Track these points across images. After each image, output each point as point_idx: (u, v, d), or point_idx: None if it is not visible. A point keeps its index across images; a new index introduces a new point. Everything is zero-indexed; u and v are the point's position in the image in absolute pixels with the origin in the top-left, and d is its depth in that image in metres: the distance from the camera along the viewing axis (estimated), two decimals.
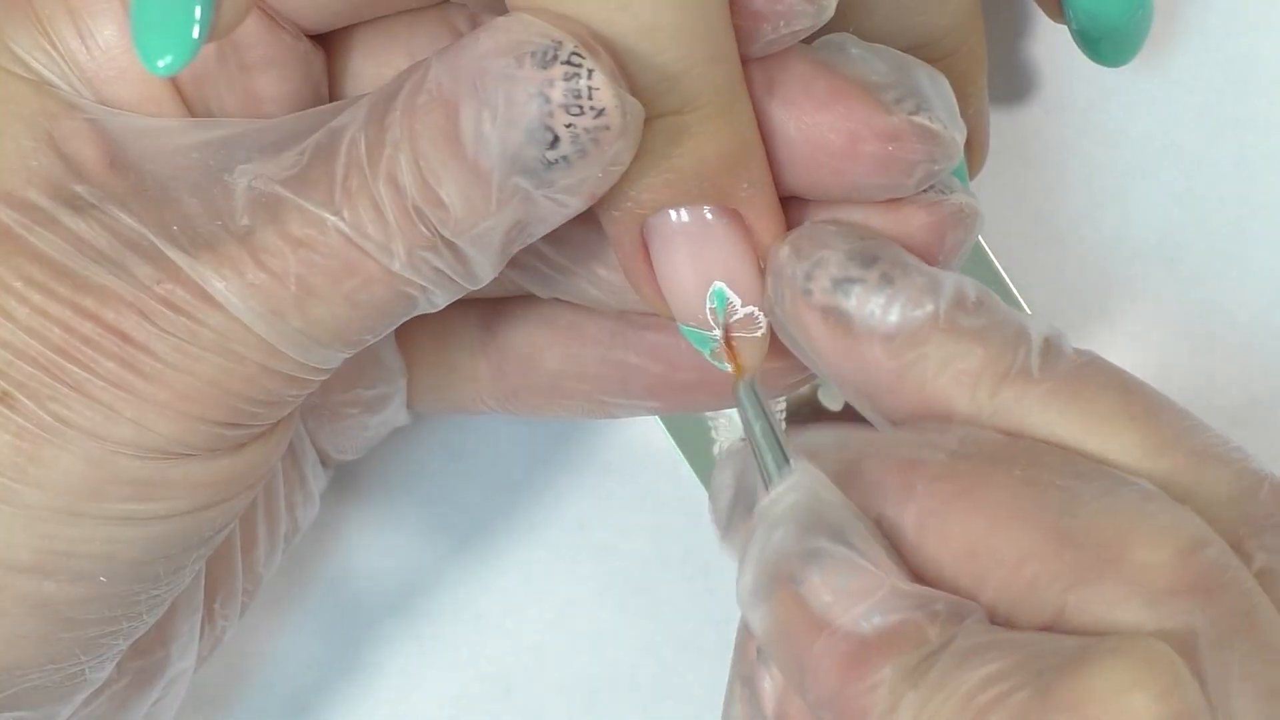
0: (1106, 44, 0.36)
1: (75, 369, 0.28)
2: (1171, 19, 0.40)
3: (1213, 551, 0.25)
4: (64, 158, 0.29)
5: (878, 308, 0.28)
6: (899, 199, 0.29)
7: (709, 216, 0.29)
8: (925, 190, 0.30)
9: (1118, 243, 0.40)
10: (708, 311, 0.29)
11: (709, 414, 0.40)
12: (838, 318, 0.28)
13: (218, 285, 0.28)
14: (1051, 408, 0.27)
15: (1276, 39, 0.40)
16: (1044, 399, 0.27)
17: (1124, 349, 0.39)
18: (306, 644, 0.40)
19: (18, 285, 0.28)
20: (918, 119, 0.28)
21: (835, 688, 0.25)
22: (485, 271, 0.29)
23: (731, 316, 0.29)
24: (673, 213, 0.29)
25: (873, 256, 0.28)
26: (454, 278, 0.28)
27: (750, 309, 0.29)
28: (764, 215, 0.29)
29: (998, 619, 0.26)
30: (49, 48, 0.30)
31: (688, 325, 0.30)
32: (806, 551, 0.26)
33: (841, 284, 0.28)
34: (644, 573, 0.40)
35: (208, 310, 0.28)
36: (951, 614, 0.25)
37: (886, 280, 0.28)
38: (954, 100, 0.30)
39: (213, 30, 0.26)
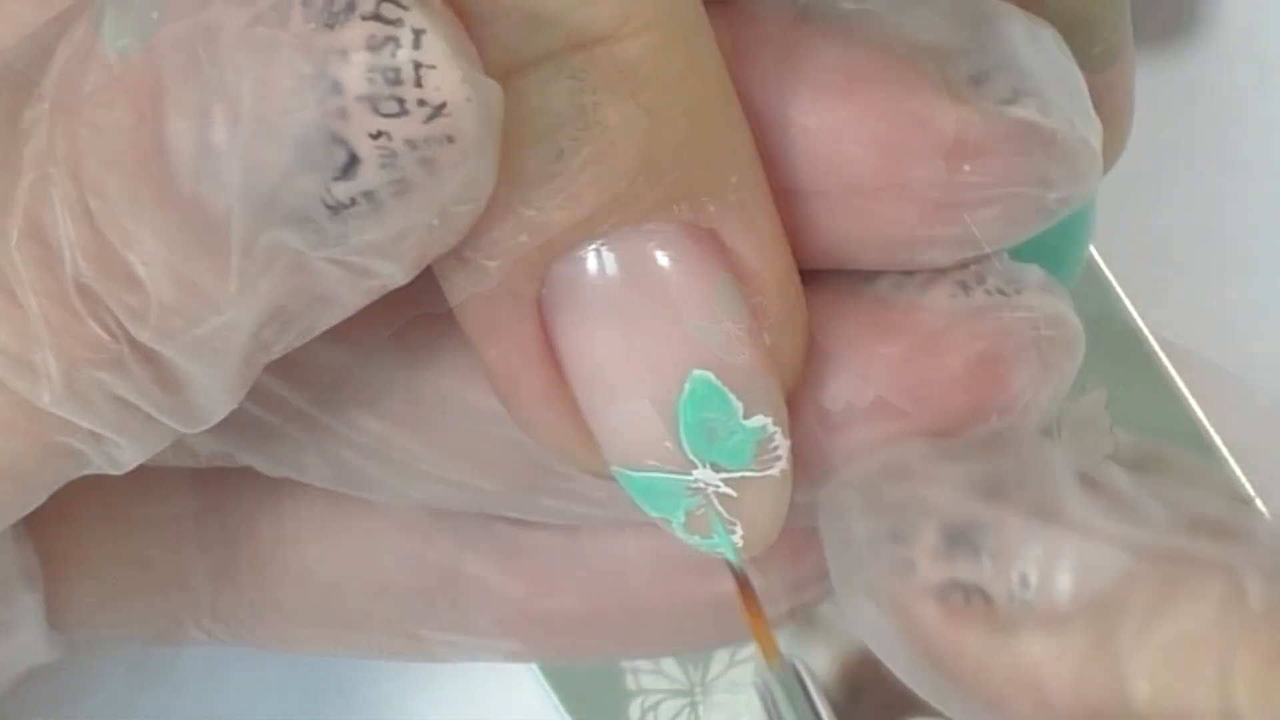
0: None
1: None
2: (1175, 19, 0.40)
3: None
4: None
5: (1033, 570, 0.16)
6: (916, 311, 0.17)
7: (668, 247, 0.16)
8: (971, 288, 0.17)
9: (1119, 242, 0.40)
10: (679, 433, 0.16)
11: None
12: (962, 601, 0.16)
13: None
14: None
15: (1277, 40, 0.40)
16: None
17: None
18: None
19: None
20: (1015, 111, 0.17)
21: None
22: (215, 402, 0.17)
23: (742, 455, 0.16)
24: (593, 255, 0.16)
25: (998, 484, 0.16)
26: (157, 415, 0.16)
27: (761, 421, 0.16)
28: (757, 235, 0.16)
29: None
30: None
31: (638, 470, 0.16)
32: None
33: (959, 540, 0.16)
34: None
35: None
36: None
37: (1039, 516, 0.16)
38: (1076, 71, 0.17)
39: None
